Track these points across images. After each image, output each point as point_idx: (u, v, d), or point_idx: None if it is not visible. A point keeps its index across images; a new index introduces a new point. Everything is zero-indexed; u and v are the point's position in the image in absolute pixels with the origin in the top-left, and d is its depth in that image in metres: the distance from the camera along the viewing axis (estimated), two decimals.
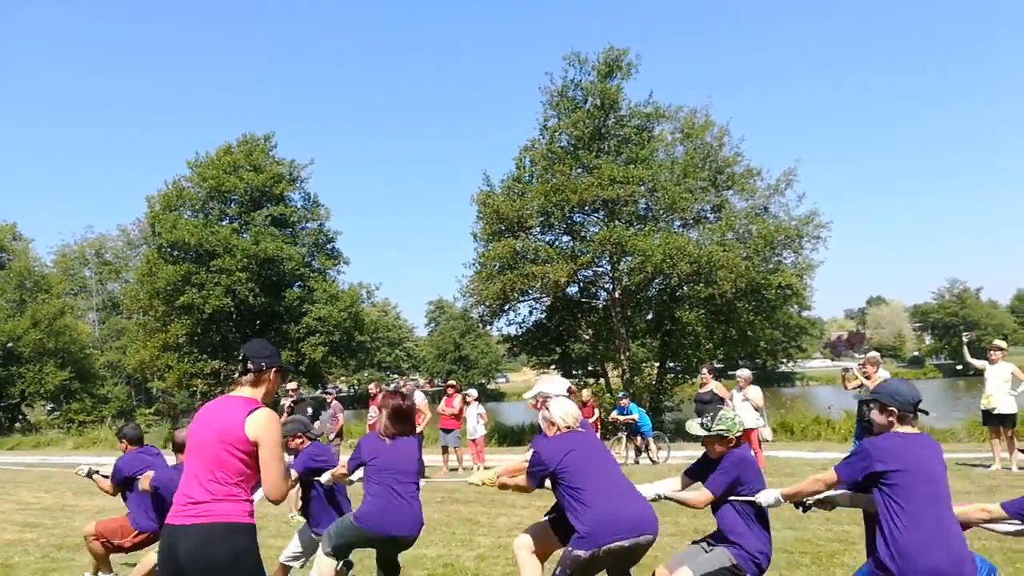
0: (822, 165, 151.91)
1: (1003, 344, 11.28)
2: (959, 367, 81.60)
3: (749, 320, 21.81)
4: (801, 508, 3.84)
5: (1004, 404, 10.70)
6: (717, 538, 4.12)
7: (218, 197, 30.49)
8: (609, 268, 22.03)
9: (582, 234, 22.04)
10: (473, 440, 13.94)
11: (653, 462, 14.00)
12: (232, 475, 3.09)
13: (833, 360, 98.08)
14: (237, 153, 30.86)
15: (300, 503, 5.79)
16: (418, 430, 10.50)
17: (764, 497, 3.89)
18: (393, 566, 4.82)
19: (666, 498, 4.28)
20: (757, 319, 22.17)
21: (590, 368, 25.28)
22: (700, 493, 4.12)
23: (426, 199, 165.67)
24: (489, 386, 73.65)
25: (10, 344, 37.35)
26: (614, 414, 14.84)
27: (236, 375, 3.33)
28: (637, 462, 14.08)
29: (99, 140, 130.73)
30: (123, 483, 6.08)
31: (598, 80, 21.52)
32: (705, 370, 12.37)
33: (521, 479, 4.39)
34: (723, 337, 22.47)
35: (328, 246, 33.12)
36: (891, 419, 3.42)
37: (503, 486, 4.66)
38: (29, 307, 38.23)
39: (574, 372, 26.08)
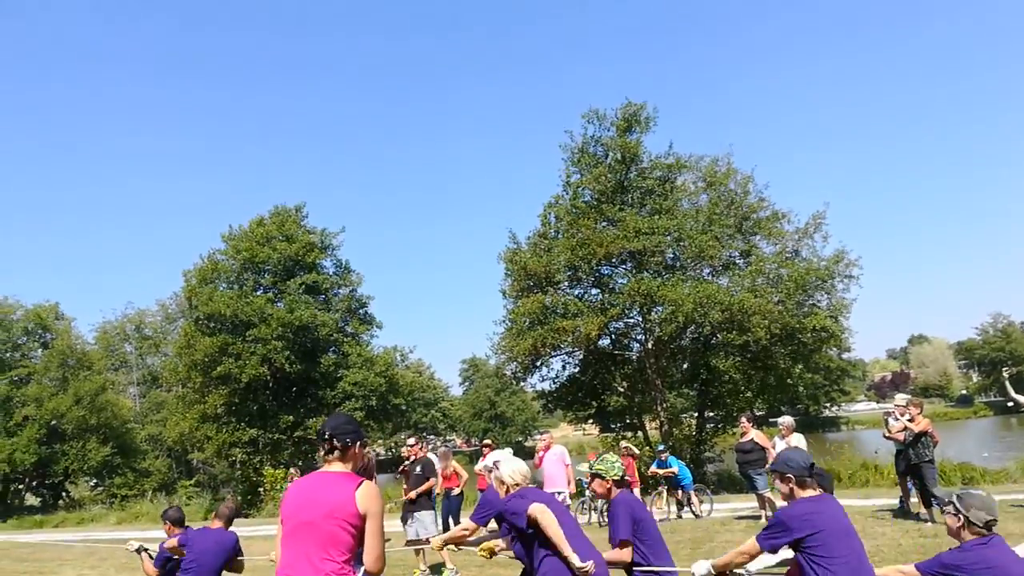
0: (856, 202, 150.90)
1: None
2: (1009, 404, 78.56)
3: (786, 366, 21.46)
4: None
5: None
6: None
7: (252, 268, 31.17)
8: (640, 319, 21.92)
9: (611, 286, 22.04)
10: None
11: (696, 516, 13.60)
12: (344, 551, 3.09)
13: (878, 402, 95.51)
14: (269, 224, 31.67)
15: None
16: (455, 492, 10.45)
17: (696, 568, 4.04)
18: None
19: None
20: (795, 365, 21.80)
21: (627, 421, 24.92)
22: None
23: (457, 259, 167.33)
24: (527, 443, 72.73)
25: (54, 422, 38.00)
26: (653, 467, 14.54)
27: (323, 453, 3.33)
28: (680, 516, 13.70)
29: (137, 217, 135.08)
30: (163, 565, 6.30)
31: (617, 135, 21.83)
32: (744, 419, 12.18)
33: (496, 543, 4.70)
34: (761, 384, 22.09)
35: (361, 311, 33.53)
36: (791, 486, 3.73)
37: (489, 552, 4.84)
38: (71, 384, 38.94)
39: (612, 425, 25.71)
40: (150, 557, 6.55)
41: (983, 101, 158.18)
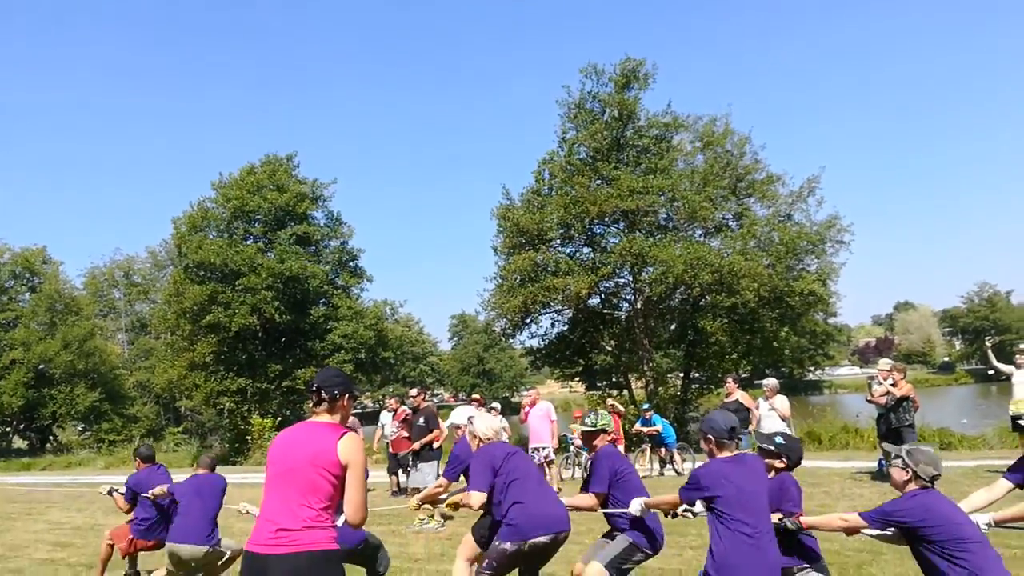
0: (846, 169, 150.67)
1: None
2: (990, 372, 79.65)
3: (773, 329, 21.63)
4: (670, 515, 4.40)
5: None
6: (614, 527, 4.76)
7: (242, 217, 30.88)
8: (630, 279, 21.96)
9: (602, 245, 22.01)
10: None
11: (678, 473, 13.89)
12: (324, 499, 3.17)
13: (861, 367, 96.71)
14: (260, 173, 31.29)
15: None
16: (434, 446, 10.60)
17: (632, 507, 4.50)
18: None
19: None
20: (782, 328, 21.98)
21: (614, 379, 25.14)
22: (589, 499, 4.77)
23: (448, 214, 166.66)
24: (513, 399, 73.43)
25: (42, 366, 37.98)
26: (637, 425, 14.74)
27: (311, 405, 3.42)
28: (662, 473, 13.98)
29: (127, 163, 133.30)
30: (134, 499, 6.80)
31: (615, 91, 21.55)
32: (730, 380, 12.31)
33: (464, 496, 4.82)
34: (748, 346, 22.27)
35: (351, 264, 33.40)
36: (711, 447, 4.00)
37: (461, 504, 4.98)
38: (59, 329, 38.84)
39: (598, 384, 25.95)
40: (120, 495, 7.01)
41: (977, 72, 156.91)
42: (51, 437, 42.22)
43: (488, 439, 4.89)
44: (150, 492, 6.59)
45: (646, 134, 22.13)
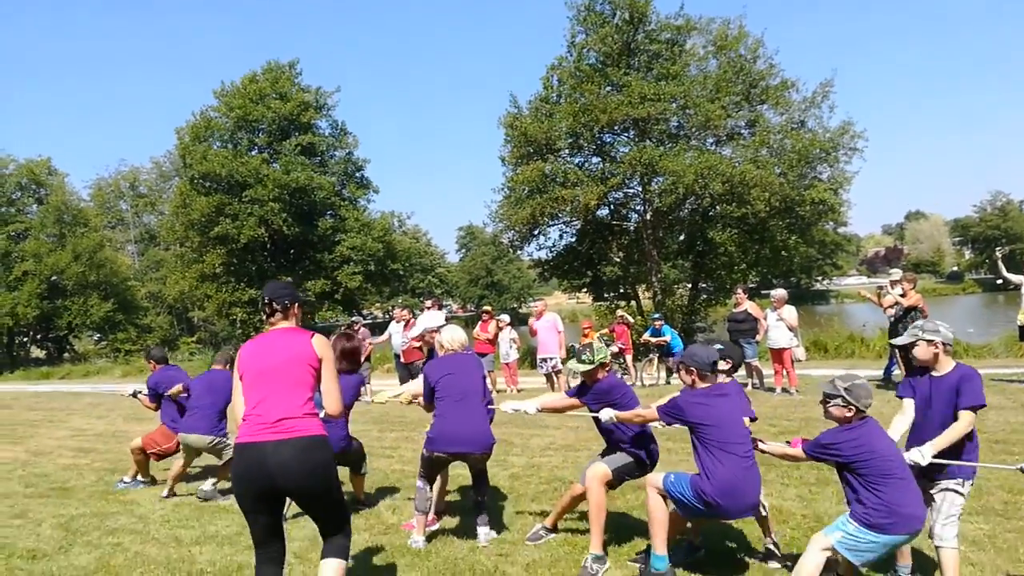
0: (859, 76, 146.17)
1: None
2: (999, 282, 79.60)
3: (783, 239, 21.47)
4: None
5: None
6: (611, 447, 4.87)
7: (246, 127, 30.48)
8: (640, 189, 21.67)
9: (612, 155, 21.61)
10: (507, 364, 14.14)
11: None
12: (310, 391, 3.49)
13: (869, 277, 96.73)
14: (262, 81, 30.67)
15: None
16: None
17: (603, 414, 4.65)
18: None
19: (538, 410, 5.09)
20: (791, 238, 21.80)
21: (621, 290, 25.21)
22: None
23: (455, 124, 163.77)
24: (521, 310, 74.08)
25: (54, 278, 38.40)
26: (646, 335, 14.84)
27: (264, 316, 3.70)
28: (668, 382, 14.11)
29: (129, 72, 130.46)
30: (158, 397, 7.24)
31: None
32: (739, 290, 12.32)
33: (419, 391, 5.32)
34: (756, 257, 22.16)
35: (357, 175, 33.12)
36: (693, 378, 4.31)
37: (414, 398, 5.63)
38: (69, 241, 39.07)
39: (606, 295, 26.04)
40: (144, 395, 7.46)
41: None
42: (68, 347, 43.14)
43: (452, 350, 5.17)
44: (169, 391, 7.04)
45: (657, 38, 21.37)
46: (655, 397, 5.34)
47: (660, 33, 21.34)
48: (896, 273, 10.90)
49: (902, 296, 10.45)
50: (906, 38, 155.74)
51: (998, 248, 14.76)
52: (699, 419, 4.10)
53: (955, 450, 3.84)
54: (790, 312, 11.45)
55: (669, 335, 14.29)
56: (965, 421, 3.80)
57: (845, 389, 3.74)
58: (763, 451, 4.17)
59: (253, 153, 30.21)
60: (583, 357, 4.83)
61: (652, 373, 14.52)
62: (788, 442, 4.06)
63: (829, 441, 3.73)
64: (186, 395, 6.96)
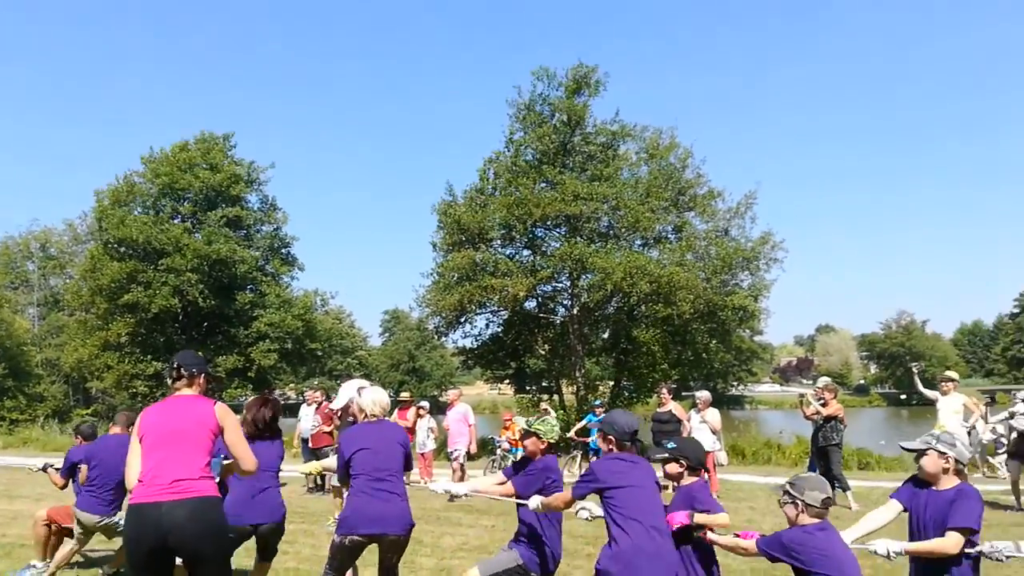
0: (776, 192, 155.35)
1: (955, 375, 11.38)
2: (903, 396, 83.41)
3: (705, 342, 21.88)
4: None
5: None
6: (516, 537, 4.70)
7: (171, 195, 29.57)
8: (569, 284, 21.89)
9: (543, 249, 21.88)
10: (422, 454, 13.52)
11: None
12: (207, 456, 3.65)
13: (782, 385, 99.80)
14: (194, 151, 30.04)
15: None
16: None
17: (531, 502, 4.43)
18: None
19: (467, 495, 4.95)
20: (712, 341, 22.26)
21: (544, 384, 25.04)
22: (505, 488, 4.75)
23: (386, 208, 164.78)
24: (442, 398, 72.88)
25: None
26: (586, 421, 14.54)
27: (170, 381, 3.89)
28: None
29: (48, 133, 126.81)
30: (71, 471, 6.65)
31: (566, 96, 21.48)
32: (664, 390, 12.24)
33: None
34: (678, 358, 22.47)
35: (283, 251, 32.40)
36: (611, 446, 4.09)
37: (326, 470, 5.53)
38: None
39: (528, 388, 25.81)
40: (56, 471, 6.93)
41: (902, 99, 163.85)
42: None
43: (374, 415, 4.76)
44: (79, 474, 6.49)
45: (593, 141, 22.14)
46: None
47: (596, 136, 22.13)
48: (823, 382, 11.07)
49: (823, 405, 10.57)
50: (826, 165, 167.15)
51: (914, 364, 15.29)
52: (609, 483, 3.85)
53: (938, 569, 3.66)
54: (714, 415, 11.40)
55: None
56: (949, 541, 3.60)
57: (788, 485, 3.61)
58: (711, 541, 3.92)
59: (176, 221, 29.26)
60: (530, 420, 4.80)
61: (574, 471, 14.15)
62: (737, 534, 3.85)
63: (788, 540, 3.50)
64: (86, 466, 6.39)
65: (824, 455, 10.50)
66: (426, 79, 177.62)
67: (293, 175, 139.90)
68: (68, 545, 6.37)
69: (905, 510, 3.96)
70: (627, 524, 3.73)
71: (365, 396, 4.87)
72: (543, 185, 21.08)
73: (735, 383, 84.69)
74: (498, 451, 14.08)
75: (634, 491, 3.82)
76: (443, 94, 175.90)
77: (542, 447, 4.71)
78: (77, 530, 6.31)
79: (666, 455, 4.25)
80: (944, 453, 3.78)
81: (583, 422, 14.71)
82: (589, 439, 13.91)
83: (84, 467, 6.37)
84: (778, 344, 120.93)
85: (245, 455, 3.80)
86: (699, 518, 3.93)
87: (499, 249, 22.01)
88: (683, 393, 31.68)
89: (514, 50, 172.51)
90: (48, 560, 6.56)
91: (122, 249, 28.16)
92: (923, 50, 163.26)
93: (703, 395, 11.71)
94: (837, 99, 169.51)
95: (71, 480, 6.68)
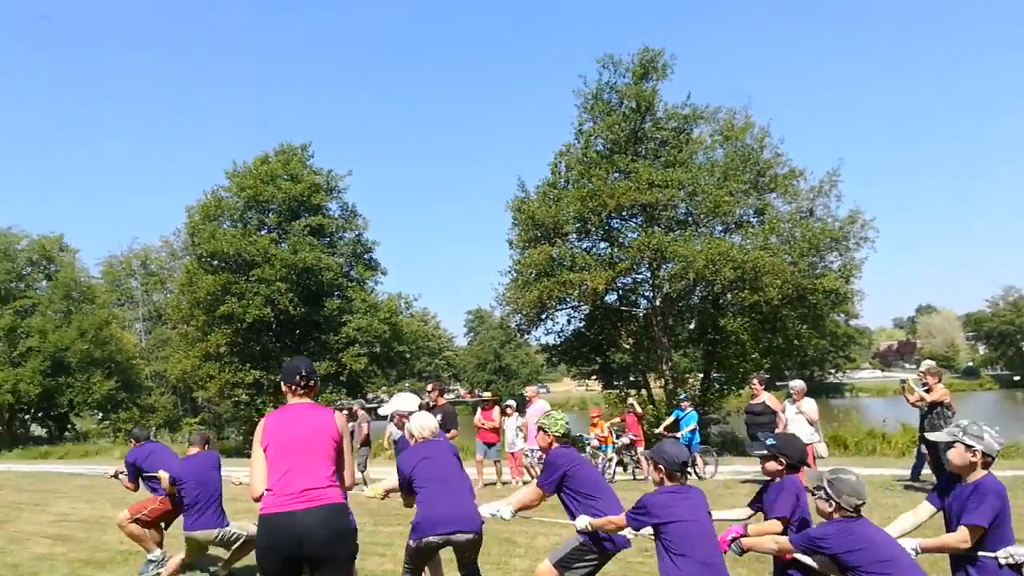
0: (869, 168, 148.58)
1: None
2: (1016, 378, 78.54)
3: (796, 328, 21.05)
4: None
5: None
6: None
7: (256, 207, 30.64)
8: (649, 275, 21.45)
9: (620, 240, 21.52)
10: (512, 453, 13.45)
11: (700, 478, 13.13)
12: (333, 464, 3.73)
13: (883, 371, 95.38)
14: (274, 163, 31.02)
15: None
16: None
17: (578, 522, 4.49)
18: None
19: (515, 514, 4.90)
20: (804, 327, 21.38)
21: (632, 378, 24.64)
22: (536, 492, 4.80)
23: (467, 208, 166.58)
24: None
25: (58, 354, 38.04)
26: (674, 417, 14.20)
27: (296, 388, 3.90)
28: None
29: (144, 153, 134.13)
30: (136, 473, 7.07)
31: (633, 82, 21.04)
32: (756, 381, 11.76)
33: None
34: (769, 346, 21.68)
35: (366, 256, 33.09)
36: (661, 476, 4.06)
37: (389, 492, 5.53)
38: (75, 317, 38.88)
39: (615, 382, 25.45)
40: (124, 475, 7.37)
41: (1000, 72, 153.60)
42: (69, 425, 42.36)
43: (423, 438, 5.01)
44: (161, 484, 6.74)
45: (664, 126, 21.61)
46: None
47: (667, 122, 21.59)
48: (926, 366, 10.37)
49: (927, 391, 9.91)
50: (920, 135, 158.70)
51: None
52: (661, 518, 3.88)
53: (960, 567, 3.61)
54: (810, 405, 10.85)
55: (694, 422, 13.61)
56: (957, 535, 3.54)
57: (828, 482, 3.53)
58: (748, 547, 3.93)
59: (262, 233, 30.29)
60: (543, 418, 4.92)
61: None
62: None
63: (817, 535, 3.49)
64: (177, 489, 6.54)
65: (932, 444, 9.85)
66: (495, 77, 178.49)
67: (371, 182, 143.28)
68: (178, 556, 6.53)
69: (940, 510, 3.83)
70: (678, 560, 3.78)
71: (413, 422, 5.13)
72: (616, 175, 20.73)
73: (832, 370, 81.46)
74: (587, 448, 13.87)
75: (686, 525, 3.85)
76: (519, 88, 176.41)
77: (550, 440, 4.84)
78: (190, 547, 6.46)
79: (764, 452, 4.27)
80: (971, 446, 3.65)
81: (671, 418, 14.37)
82: (679, 434, 13.53)
83: (165, 478, 6.59)
84: (876, 328, 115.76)
85: (350, 468, 3.93)
86: (749, 533, 4.01)
87: (575, 243, 21.77)
88: (776, 383, 30.62)
89: (580, 41, 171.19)
90: (160, 549, 6.94)
91: (215, 262, 29.35)
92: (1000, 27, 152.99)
93: (797, 384, 11.17)
94: (934, 72, 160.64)
95: (139, 480, 7.12)
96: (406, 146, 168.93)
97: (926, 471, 10.51)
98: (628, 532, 4.31)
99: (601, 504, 4.55)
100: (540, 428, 4.90)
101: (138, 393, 42.87)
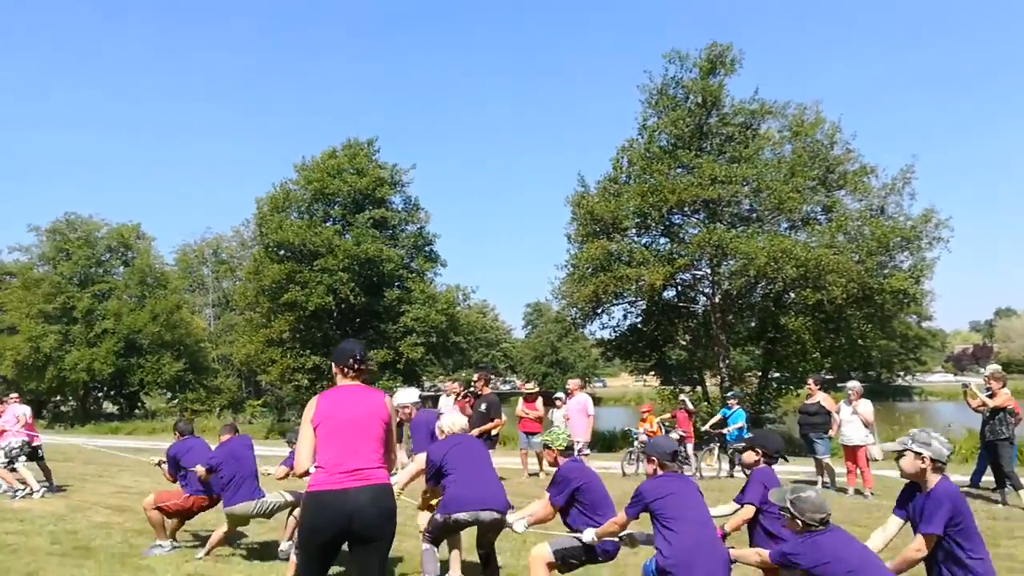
0: (943, 163, 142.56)
1: None
2: None
3: (861, 329, 20.41)
4: (620, 543, 4.67)
5: None
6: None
7: (322, 199, 31.41)
8: (709, 272, 21.13)
9: (680, 236, 21.24)
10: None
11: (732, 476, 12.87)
12: (382, 445, 3.77)
13: (956, 375, 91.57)
14: (341, 157, 31.71)
15: None
16: (493, 434, 10.42)
17: (585, 536, 4.58)
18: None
19: (528, 527, 5.03)
20: (869, 328, 20.71)
21: (688, 375, 24.33)
22: (547, 507, 4.92)
23: (529, 201, 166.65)
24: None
25: (131, 336, 39.83)
26: (720, 415, 14.01)
27: (348, 370, 3.90)
28: (732, 475, 12.84)
29: (220, 145, 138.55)
30: (176, 467, 7.25)
31: (700, 77, 20.72)
32: (811, 381, 11.50)
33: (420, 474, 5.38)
34: (831, 346, 21.08)
35: (427, 249, 33.55)
36: (654, 467, 4.37)
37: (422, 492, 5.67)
38: (148, 302, 40.65)
39: (672, 379, 25.19)
40: (165, 466, 7.51)
41: None
42: (139, 403, 44.28)
43: (453, 433, 5.27)
44: (197, 473, 6.97)
45: (731, 122, 21.21)
46: (714, 490, 4.87)
47: (734, 117, 21.20)
48: (991, 369, 9.99)
49: (990, 395, 9.54)
50: (995, 133, 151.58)
51: None
52: (653, 495, 4.13)
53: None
54: (866, 406, 10.57)
55: (742, 420, 13.40)
56: (914, 546, 3.68)
57: (790, 502, 3.68)
58: (735, 557, 4.10)
59: (327, 224, 31.01)
60: (545, 436, 5.16)
61: (712, 464, 13.59)
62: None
63: (790, 551, 3.66)
64: (214, 473, 6.89)
65: (993, 450, 9.51)
66: (562, 69, 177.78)
67: (433, 173, 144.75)
68: (220, 530, 6.82)
69: (907, 520, 3.91)
70: (674, 524, 4.00)
71: (444, 420, 5.42)
72: (679, 170, 20.48)
73: (901, 373, 78.64)
74: (636, 443, 13.79)
75: (676, 496, 4.12)
76: (582, 83, 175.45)
77: (555, 455, 5.02)
78: (232, 522, 6.78)
79: (742, 444, 4.78)
80: (920, 453, 3.81)
81: (717, 416, 14.16)
82: (726, 431, 13.36)
83: (201, 470, 6.85)
84: (951, 331, 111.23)
85: (395, 451, 3.98)
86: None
87: (634, 238, 21.60)
88: (839, 384, 29.83)
89: (644, 37, 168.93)
90: (171, 540, 7.18)
91: (281, 252, 30.22)
92: None
93: (854, 386, 10.91)
94: (1015, 71, 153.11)
95: (178, 474, 7.27)
96: (471, 141, 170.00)
97: (987, 477, 10.13)
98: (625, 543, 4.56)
99: (604, 521, 4.67)
100: (545, 446, 5.11)
101: (205, 375, 44.57)
